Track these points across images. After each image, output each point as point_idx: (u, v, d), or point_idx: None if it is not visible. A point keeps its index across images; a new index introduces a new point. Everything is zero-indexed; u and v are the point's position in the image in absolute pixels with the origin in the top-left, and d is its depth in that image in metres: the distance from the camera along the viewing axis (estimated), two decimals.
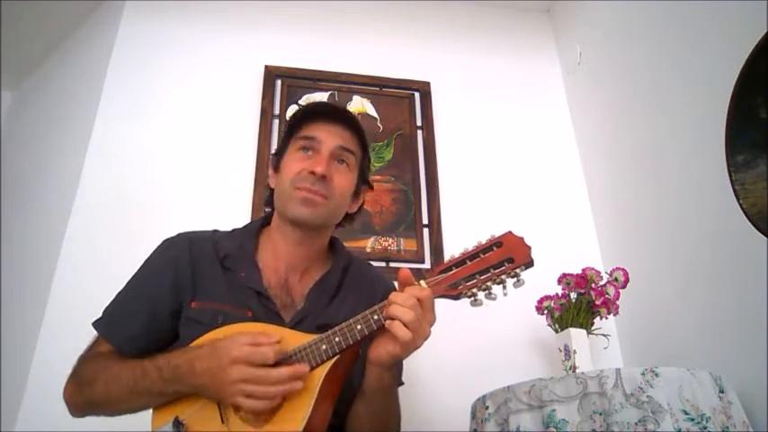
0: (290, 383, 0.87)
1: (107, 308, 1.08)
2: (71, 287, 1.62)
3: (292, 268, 1.12)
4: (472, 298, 0.92)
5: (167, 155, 1.89)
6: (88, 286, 1.55)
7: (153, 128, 1.93)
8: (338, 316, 1.04)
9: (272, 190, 1.17)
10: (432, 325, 0.91)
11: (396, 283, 0.98)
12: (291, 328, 1.02)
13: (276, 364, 0.88)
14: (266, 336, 0.91)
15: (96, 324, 1.06)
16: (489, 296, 0.91)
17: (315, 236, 1.13)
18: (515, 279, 0.91)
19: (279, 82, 2.09)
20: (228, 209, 1.82)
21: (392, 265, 1.86)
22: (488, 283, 0.91)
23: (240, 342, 0.89)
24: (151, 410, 0.99)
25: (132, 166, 1.86)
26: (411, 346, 0.89)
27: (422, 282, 0.92)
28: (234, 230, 1.17)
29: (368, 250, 1.87)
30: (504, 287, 0.91)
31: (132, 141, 1.89)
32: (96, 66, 2.06)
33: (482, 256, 0.92)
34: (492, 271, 0.91)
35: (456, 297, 0.92)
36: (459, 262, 0.93)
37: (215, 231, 1.16)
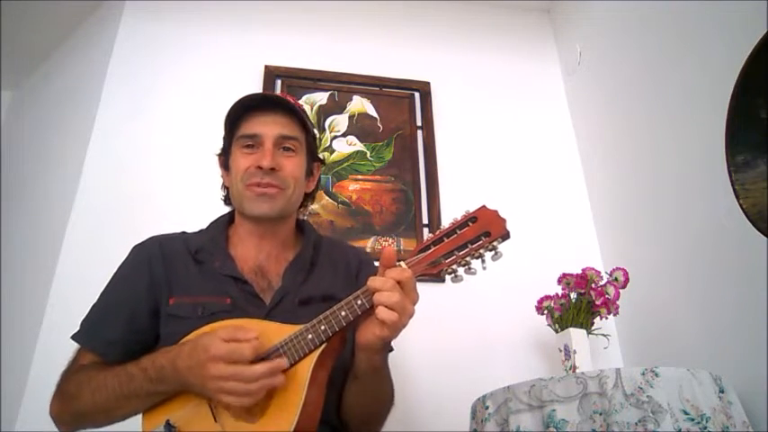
0: (269, 378, 0.86)
1: (84, 318, 1.08)
2: (71, 287, 1.62)
3: (264, 255, 1.13)
4: (452, 275, 0.92)
5: (167, 154, 1.89)
6: (89, 286, 1.52)
7: (153, 128, 1.93)
8: (317, 290, 1.07)
9: (228, 188, 1.19)
10: (415, 304, 0.91)
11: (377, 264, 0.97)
12: (273, 308, 1.03)
13: (257, 360, 0.88)
14: (244, 331, 0.89)
15: (76, 336, 1.06)
16: (469, 271, 0.92)
17: (278, 225, 1.14)
18: (493, 252, 0.91)
19: (279, 82, 2.08)
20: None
21: None
22: (467, 259, 0.91)
23: (218, 338, 0.88)
24: (141, 415, 0.98)
25: (132, 165, 1.86)
26: (398, 326, 0.90)
27: (401, 263, 0.93)
28: (202, 229, 1.18)
29: (368, 250, 1.87)
30: (483, 261, 0.92)
31: (132, 141, 1.89)
32: (96, 66, 2.05)
33: (458, 232, 0.92)
34: (470, 246, 0.91)
35: (437, 275, 0.92)
36: (437, 240, 0.93)
37: (183, 232, 1.18)
